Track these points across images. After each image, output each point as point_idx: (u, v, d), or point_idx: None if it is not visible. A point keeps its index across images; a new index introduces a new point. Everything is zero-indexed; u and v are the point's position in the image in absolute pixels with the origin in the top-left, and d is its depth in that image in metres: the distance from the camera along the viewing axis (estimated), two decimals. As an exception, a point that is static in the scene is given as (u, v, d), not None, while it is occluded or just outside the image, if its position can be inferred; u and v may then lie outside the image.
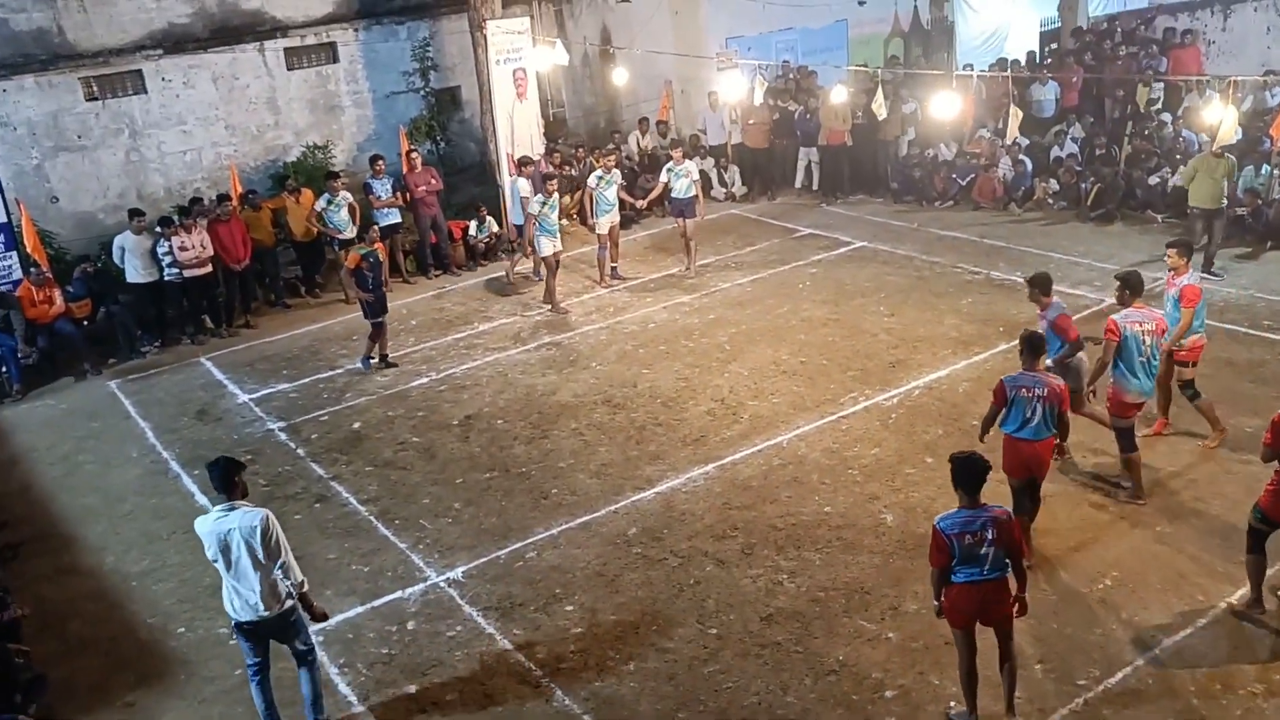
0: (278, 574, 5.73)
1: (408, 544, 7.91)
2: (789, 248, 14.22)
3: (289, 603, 5.81)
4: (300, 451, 9.51)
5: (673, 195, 13.07)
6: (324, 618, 6.10)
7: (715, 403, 9.70)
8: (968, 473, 5.53)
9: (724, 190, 16.78)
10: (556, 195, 12.24)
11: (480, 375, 10.79)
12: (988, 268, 12.66)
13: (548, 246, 12.12)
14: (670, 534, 7.72)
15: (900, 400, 9.46)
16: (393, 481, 8.85)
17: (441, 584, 7.39)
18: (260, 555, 5.66)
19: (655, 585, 7.16)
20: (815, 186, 16.62)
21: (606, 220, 12.90)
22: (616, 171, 13.12)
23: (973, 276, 12.44)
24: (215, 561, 5.74)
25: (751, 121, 16.36)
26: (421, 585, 7.40)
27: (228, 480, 5.76)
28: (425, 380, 10.83)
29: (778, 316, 11.68)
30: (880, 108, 14.54)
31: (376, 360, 11.10)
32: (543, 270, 12.63)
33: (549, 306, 12.31)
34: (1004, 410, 6.77)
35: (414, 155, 13.92)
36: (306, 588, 5.89)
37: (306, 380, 11.10)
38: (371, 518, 8.32)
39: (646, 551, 7.53)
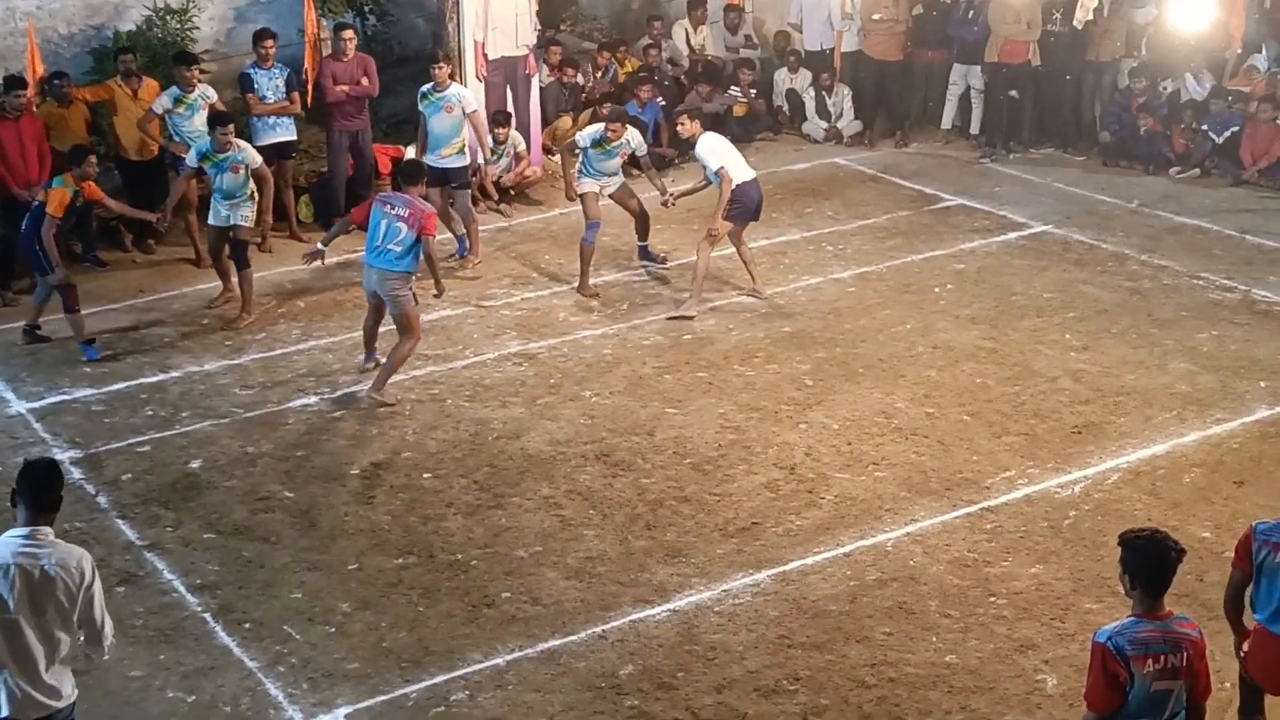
0: (96, 648, 6.00)
1: (261, 662, 7.94)
2: (924, 226, 14.25)
3: (75, 693, 6.05)
4: (101, 500, 9.61)
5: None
6: None
7: (780, 472, 9.75)
8: (1150, 562, 5.58)
9: (825, 126, 16.87)
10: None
11: (403, 398, 10.89)
12: (1248, 282, 12.68)
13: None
14: (688, 680, 7.72)
15: (1085, 490, 9.47)
16: (245, 560, 8.91)
17: (310, 732, 7.46)
18: (75, 614, 5.85)
19: (657, 762, 7.20)
20: (976, 129, 16.67)
21: (593, 184, 12.81)
22: (633, 137, 12.76)
23: (1222, 295, 12.46)
24: None
25: (877, 17, 16.47)
26: (277, 732, 7.46)
27: (45, 494, 5.91)
28: (311, 400, 10.94)
29: (896, 338, 11.73)
30: (1087, 9, 14.60)
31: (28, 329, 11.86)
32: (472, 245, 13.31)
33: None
34: (1250, 582, 6.45)
35: (348, 35, 14.14)
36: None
37: (121, 386, 11.23)
38: (206, 616, 8.36)
39: (647, 706, 7.54)
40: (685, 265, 12.99)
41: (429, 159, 13.30)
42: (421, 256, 10.68)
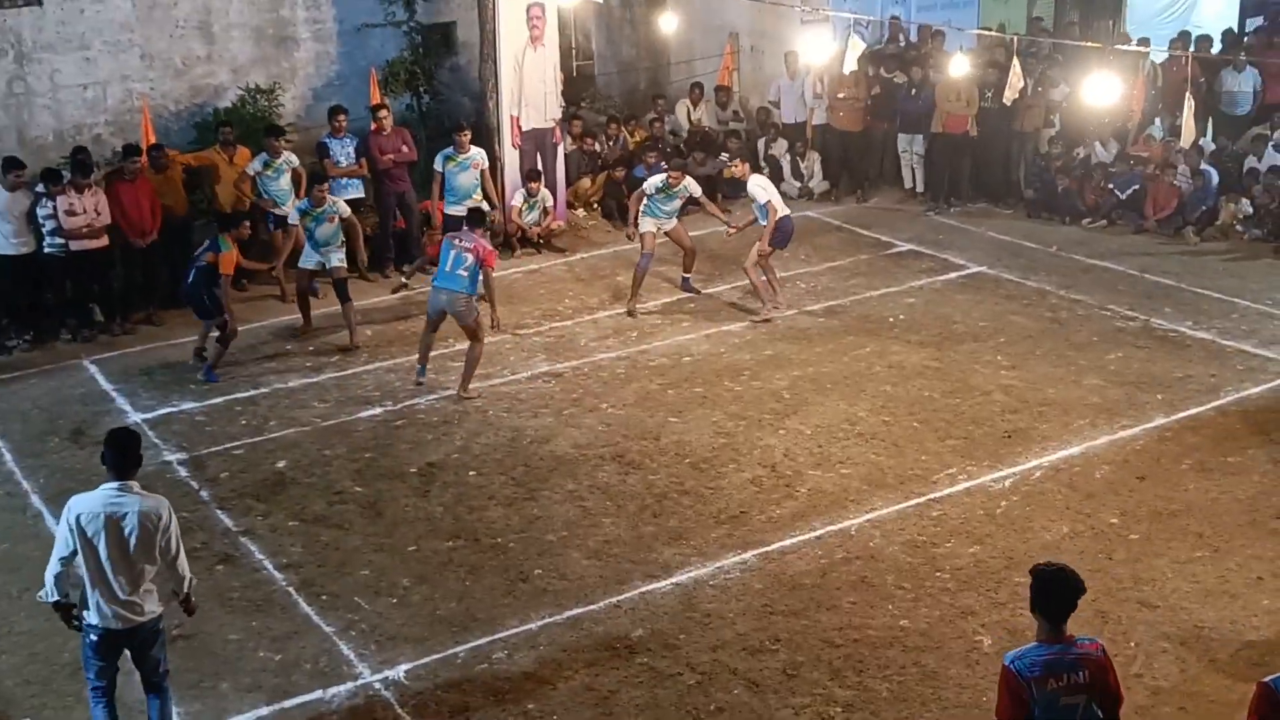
0: (174, 572, 6.48)
1: (336, 628, 8.01)
2: (880, 268, 14.30)
3: (160, 609, 6.55)
4: (204, 494, 9.68)
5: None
6: (195, 610, 6.90)
7: (763, 469, 9.80)
8: (1055, 593, 5.32)
9: (799, 185, 16.94)
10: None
11: (451, 410, 10.96)
12: (1148, 313, 12.70)
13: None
14: (689, 641, 7.78)
15: (1014, 484, 9.51)
16: (323, 543, 8.98)
17: (377, 685, 7.47)
18: (158, 550, 6.35)
19: (662, 709, 7.20)
20: (920, 188, 16.73)
21: (652, 223, 13.09)
22: (689, 184, 13.19)
23: (1126, 323, 12.48)
24: (79, 551, 6.24)
25: (842, 96, 16.54)
26: (350, 685, 7.48)
27: (130, 458, 6.39)
28: (377, 411, 10.99)
29: (858, 359, 11.78)
30: (1014, 89, 14.67)
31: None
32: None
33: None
34: None
35: (384, 114, 14.21)
36: (194, 584, 6.72)
37: (219, 400, 11.31)
38: (291, 590, 8.44)
39: (655, 663, 7.59)
40: (687, 297, 13.10)
41: (455, 209, 13.37)
42: (480, 281, 11.11)
